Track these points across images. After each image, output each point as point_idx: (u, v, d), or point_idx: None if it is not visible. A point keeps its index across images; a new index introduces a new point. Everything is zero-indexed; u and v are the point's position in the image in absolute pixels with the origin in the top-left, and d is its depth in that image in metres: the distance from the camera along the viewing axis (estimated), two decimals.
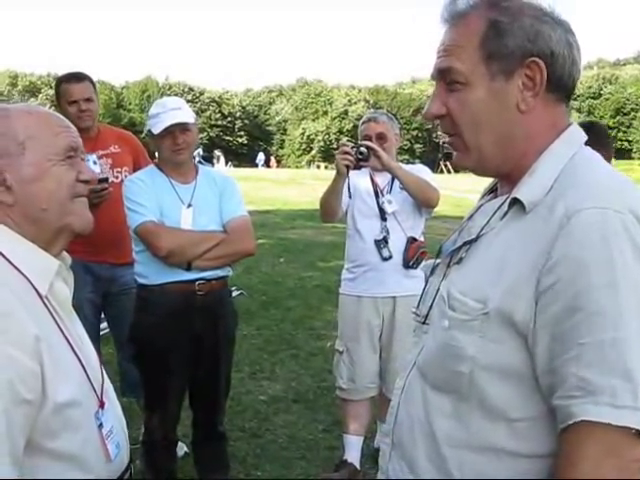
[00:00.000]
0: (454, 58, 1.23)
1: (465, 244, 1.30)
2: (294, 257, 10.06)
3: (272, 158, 62.37)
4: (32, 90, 60.99)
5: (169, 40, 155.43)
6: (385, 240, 3.60)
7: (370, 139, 3.64)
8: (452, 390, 1.22)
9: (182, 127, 2.95)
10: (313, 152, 72.57)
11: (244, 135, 76.42)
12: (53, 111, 1.48)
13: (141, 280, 3.05)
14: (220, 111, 75.96)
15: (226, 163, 49.17)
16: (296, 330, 6.52)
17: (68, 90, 3.67)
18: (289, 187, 25.04)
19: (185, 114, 2.99)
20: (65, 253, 1.51)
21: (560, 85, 1.23)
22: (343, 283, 3.81)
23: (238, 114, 77.24)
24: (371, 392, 3.68)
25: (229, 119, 76.25)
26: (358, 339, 3.62)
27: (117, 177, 3.70)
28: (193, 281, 2.94)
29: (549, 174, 1.19)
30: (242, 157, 66.96)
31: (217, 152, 52.82)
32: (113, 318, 3.86)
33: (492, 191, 1.41)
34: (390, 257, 3.55)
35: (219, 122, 75.20)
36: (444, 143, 1.40)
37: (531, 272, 1.10)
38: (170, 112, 2.95)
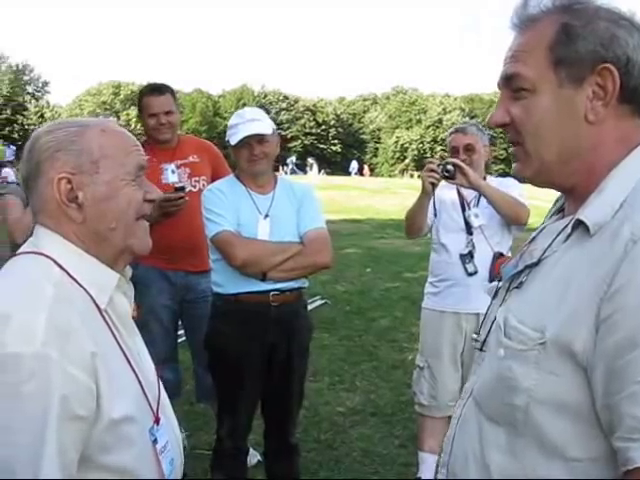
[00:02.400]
0: (521, 64, 1.17)
1: (526, 268, 1.23)
2: (381, 267, 9.99)
3: (365, 166, 62.33)
4: (133, 99, 63.41)
5: (266, 49, 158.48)
6: (470, 255, 3.51)
7: (457, 151, 3.57)
8: (507, 423, 1.15)
9: (259, 138, 2.96)
10: (407, 161, 72.17)
11: (338, 143, 76.81)
12: (123, 128, 1.49)
13: (217, 289, 3.08)
14: (314, 119, 76.70)
15: (319, 171, 49.61)
16: (379, 342, 6.45)
17: (148, 103, 3.77)
18: (381, 196, 24.96)
19: (263, 125, 2.99)
20: (128, 268, 1.52)
21: (635, 96, 1.14)
22: (426, 297, 3.74)
23: (332, 122, 77.73)
24: (452, 410, 3.57)
25: (323, 127, 76.86)
26: (440, 355, 3.54)
27: (195, 186, 3.76)
28: (267, 292, 2.94)
29: (618, 194, 1.10)
30: (335, 165, 67.35)
31: (310, 160, 53.40)
32: (189, 325, 3.93)
33: (560, 211, 1.32)
34: (475, 272, 3.46)
35: (313, 130, 75.95)
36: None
37: (592, 299, 1.02)
38: (247, 123, 2.97)
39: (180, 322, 4.00)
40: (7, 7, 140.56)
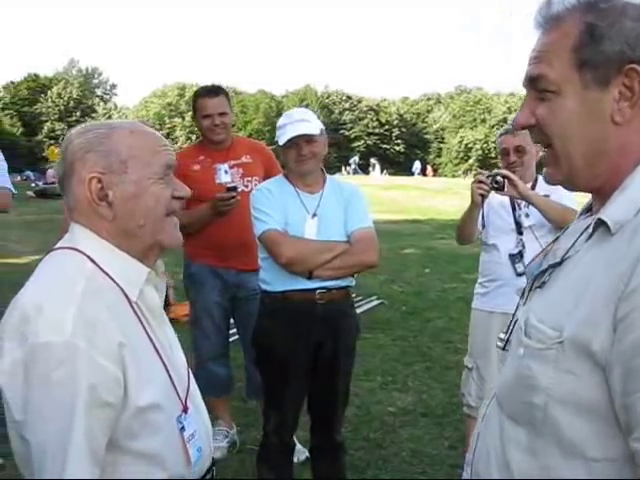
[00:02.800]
0: (545, 65, 1.15)
1: (549, 267, 1.23)
2: (440, 268, 9.92)
3: (428, 167, 61.80)
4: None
5: (329, 49, 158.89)
6: (520, 255, 3.48)
7: (508, 153, 3.54)
8: (527, 422, 1.15)
9: (307, 138, 2.99)
10: (470, 161, 71.15)
11: (401, 143, 76.27)
12: (151, 129, 1.55)
13: (264, 286, 3.13)
14: (377, 119, 76.39)
15: (381, 171, 49.43)
16: (433, 342, 6.42)
17: (203, 104, 3.86)
18: (443, 196, 24.70)
19: (310, 126, 3.02)
20: (159, 260, 1.59)
21: None
22: (475, 297, 3.72)
23: (395, 122, 77.25)
24: None
25: (386, 127, 76.46)
26: (488, 356, 3.50)
27: (247, 186, 3.82)
28: (314, 290, 2.97)
29: None
30: (398, 165, 66.90)
31: (373, 160, 53.30)
32: (239, 322, 4.00)
33: (588, 210, 1.31)
34: (525, 272, 3.41)
35: (376, 130, 75.64)
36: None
37: (610, 298, 1.01)
38: (296, 124, 3.01)
39: (232, 319, 4.08)
40: (77, 14, 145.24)
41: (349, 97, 77.82)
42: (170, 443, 1.41)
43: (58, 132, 59.07)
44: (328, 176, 3.25)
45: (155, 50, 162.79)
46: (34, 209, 18.53)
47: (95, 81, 75.84)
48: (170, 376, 1.45)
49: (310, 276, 2.96)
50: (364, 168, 53.74)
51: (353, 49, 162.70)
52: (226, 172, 3.82)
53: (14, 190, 3.91)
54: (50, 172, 27.01)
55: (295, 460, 3.64)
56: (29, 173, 39.80)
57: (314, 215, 3.06)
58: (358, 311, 7.34)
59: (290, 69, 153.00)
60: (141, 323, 1.42)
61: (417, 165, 54.61)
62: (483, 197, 3.40)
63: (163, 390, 1.41)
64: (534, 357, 1.12)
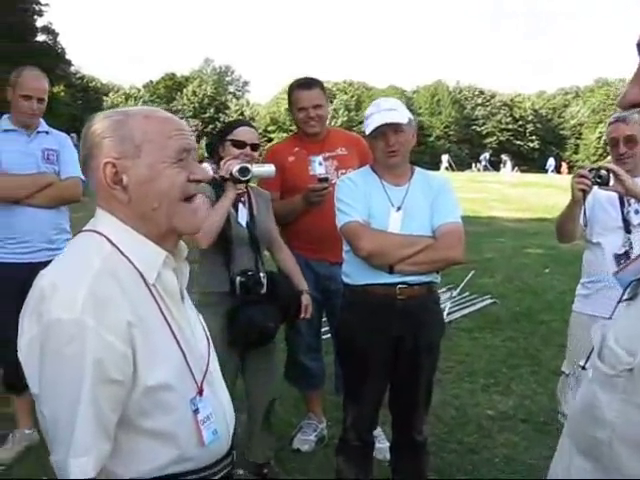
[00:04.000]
0: None
1: None
2: (560, 268, 9.41)
3: (563, 164, 59.16)
4: (328, 96, 64.87)
5: (461, 44, 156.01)
6: (627, 255, 3.22)
7: (617, 143, 3.31)
8: (594, 458, 1.00)
9: (395, 128, 2.90)
10: (609, 157, 67.49)
11: (535, 139, 73.66)
12: (170, 114, 1.56)
13: (346, 279, 3.09)
14: (511, 115, 74.15)
15: (512, 168, 47.88)
16: (544, 346, 6.10)
17: (298, 97, 3.85)
18: None
19: (398, 115, 2.93)
20: (182, 245, 1.60)
21: None
22: (576, 299, 3.50)
23: (530, 117, 74.64)
24: None
25: (520, 123, 74.06)
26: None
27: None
28: (395, 284, 2.89)
29: None
30: (532, 162, 64.65)
31: (504, 157, 51.73)
32: (330, 315, 3.97)
33: None
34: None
35: (510, 126, 73.45)
36: None
37: None
38: (383, 112, 2.93)
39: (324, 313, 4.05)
40: (211, 15, 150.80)
41: (482, 92, 76.06)
42: (182, 423, 1.44)
43: (193, 128, 61.59)
44: (417, 168, 3.14)
45: (285, 47, 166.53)
46: None
47: (228, 79, 78.43)
48: (186, 358, 1.46)
49: (391, 270, 2.88)
50: (495, 165, 52.28)
51: (486, 44, 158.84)
52: (320, 164, 3.81)
53: (85, 180, 3.97)
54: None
55: (381, 457, 3.58)
56: None
57: (398, 208, 2.97)
58: (468, 310, 7.18)
59: (421, 64, 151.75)
60: (157, 305, 1.44)
61: (551, 162, 52.38)
62: (584, 193, 3.18)
63: (176, 371, 1.43)
64: (602, 384, 0.99)
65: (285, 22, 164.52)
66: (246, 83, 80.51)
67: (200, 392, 1.48)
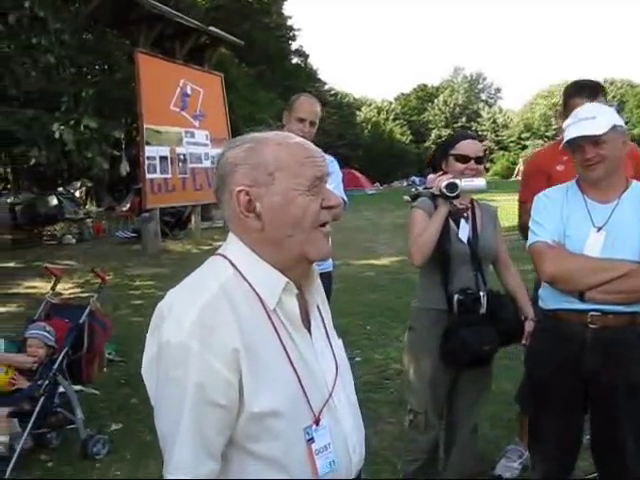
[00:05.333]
0: None
1: None
2: None
3: None
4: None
5: None
6: None
7: None
8: None
9: (592, 140, 2.57)
10: None
11: None
12: (303, 140, 1.54)
13: (540, 303, 2.85)
14: None
15: None
16: None
17: (573, 105, 3.29)
18: None
19: (596, 125, 2.57)
20: (314, 271, 1.60)
21: None
22: None
23: None
24: None
25: None
26: None
27: None
28: (586, 311, 2.60)
29: None
30: None
31: None
32: None
33: None
34: None
35: None
36: None
37: None
38: (578, 123, 2.61)
39: None
40: (459, 22, 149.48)
41: None
42: (293, 451, 1.41)
43: (444, 138, 61.65)
44: (634, 182, 2.75)
45: (539, 50, 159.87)
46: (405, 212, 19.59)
47: (480, 86, 77.42)
48: (302, 386, 1.43)
49: (582, 298, 2.59)
50: None
51: None
52: None
53: (346, 200, 4.11)
54: (431, 177, 28.29)
55: None
56: (415, 178, 42.21)
57: (599, 229, 2.63)
58: None
59: None
60: (276, 331, 1.43)
61: None
62: None
63: (288, 399, 1.40)
64: None
65: (535, 23, 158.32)
66: (498, 90, 79.18)
67: (317, 421, 1.45)
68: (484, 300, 2.98)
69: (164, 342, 1.34)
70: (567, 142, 2.64)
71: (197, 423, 1.33)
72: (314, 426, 1.44)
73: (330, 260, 4.19)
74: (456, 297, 2.96)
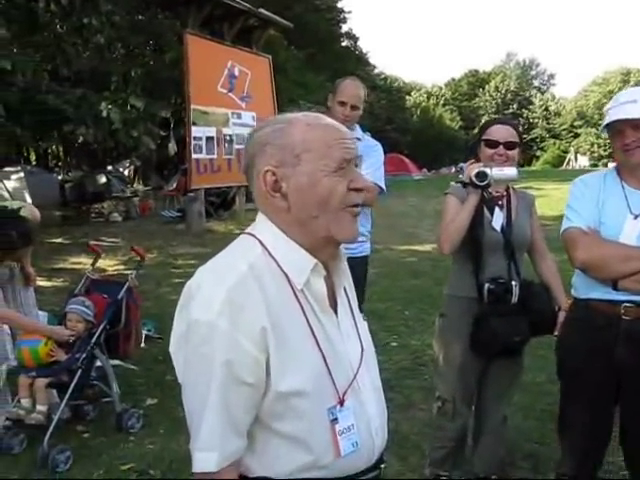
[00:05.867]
0: None
1: None
2: None
3: None
4: None
5: None
6: None
7: None
8: None
9: (633, 123, 2.52)
10: None
11: None
12: (333, 121, 1.53)
13: (573, 291, 2.80)
14: None
15: None
16: None
17: None
18: None
19: (637, 108, 2.51)
20: (342, 253, 1.60)
21: None
22: None
23: None
24: None
25: None
26: None
27: None
28: (619, 302, 2.54)
29: None
30: None
31: None
32: None
33: None
34: None
35: None
36: None
37: None
38: (620, 106, 2.57)
39: None
40: (514, 8, 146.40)
41: None
42: (317, 431, 1.42)
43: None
44: None
45: (595, 35, 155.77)
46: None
47: (532, 72, 75.87)
48: (328, 366, 1.44)
49: (615, 286, 2.53)
50: None
51: None
52: None
53: (384, 187, 4.07)
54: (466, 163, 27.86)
55: None
56: (463, 165, 41.41)
57: (637, 216, 2.57)
58: None
59: None
60: (303, 311, 1.44)
61: None
62: None
63: (314, 379, 1.41)
64: None
65: (590, 8, 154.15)
66: (552, 76, 77.35)
67: (341, 402, 1.46)
68: (516, 290, 2.93)
69: (193, 321, 1.35)
70: (606, 126, 2.61)
71: (224, 400, 1.34)
72: (338, 406, 1.45)
73: (368, 244, 4.18)
74: (486, 286, 2.92)
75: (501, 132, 3.00)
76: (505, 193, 3.06)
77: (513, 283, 2.93)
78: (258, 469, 1.43)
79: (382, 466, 1.61)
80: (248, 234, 1.52)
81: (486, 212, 2.97)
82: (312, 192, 1.43)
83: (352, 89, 4.05)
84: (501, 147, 2.96)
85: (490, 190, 2.95)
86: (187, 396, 1.41)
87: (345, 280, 1.62)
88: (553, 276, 3.13)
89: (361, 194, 1.50)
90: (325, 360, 1.43)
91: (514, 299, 2.93)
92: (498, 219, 3.00)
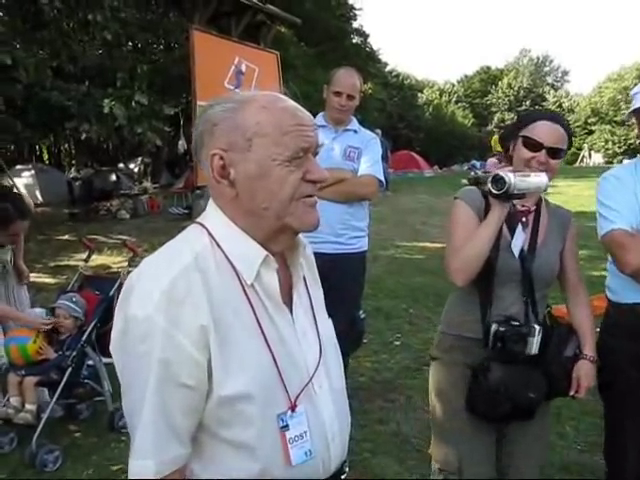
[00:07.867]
0: None
1: None
2: None
3: None
4: None
5: None
6: None
7: None
8: None
9: None
10: None
11: None
12: (293, 104, 1.37)
13: (610, 295, 2.62)
14: None
15: None
16: None
17: None
18: None
19: None
20: (300, 242, 1.47)
21: None
22: None
23: None
24: None
25: None
26: None
27: None
28: None
29: None
30: None
31: None
32: None
33: None
34: None
35: None
36: None
37: None
38: None
39: None
40: (526, 4, 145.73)
41: None
42: (266, 438, 1.31)
43: (508, 122, 60.29)
44: None
45: (610, 31, 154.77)
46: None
47: (546, 69, 75.18)
48: (278, 369, 1.32)
49: None
50: None
51: None
52: None
53: (383, 181, 3.98)
54: (490, 161, 27.61)
55: None
56: (475, 162, 41.32)
57: None
58: None
59: None
60: (252, 307, 1.31)
61: None
62: None
63: (261, 382, 1.29)
64: None
65: (604, 4, 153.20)
66: (565, 73, 76.48)
67: (293, 407, 1.33)
68: (537, 338, 2.22)
69: (131, 316, 1.24)
70: (634, 111, 2.47)
71: (161, 402, 1.23)
72: (289, 412, 1.33)
73: (366, 239, 4.07)
74: (494, 327, 2.22)
75: (548, 132, 2.29)
76: (533, 208, 2.41)
77: (535, 327, 2.23)
78: (205, 477, 1.32)
79: (342, 477, 1.48)
80: (197, 223, 1.39)
81: (505, 230, 2.30)
82: (261, 182, 1.30)
83: (347, 78, 3.94)
84: (543, 152, 2.28)
85: (516, 202, 2.29)
86: (125, 397, 1.29)
87: (307, 272, 1.49)
88: (585, 318, 2.44)
89: (316, 185, 1.36)
90: (275, 361, 1.31)
91: (531, 350, 2.22)
92: (518, 240, 2.31)
